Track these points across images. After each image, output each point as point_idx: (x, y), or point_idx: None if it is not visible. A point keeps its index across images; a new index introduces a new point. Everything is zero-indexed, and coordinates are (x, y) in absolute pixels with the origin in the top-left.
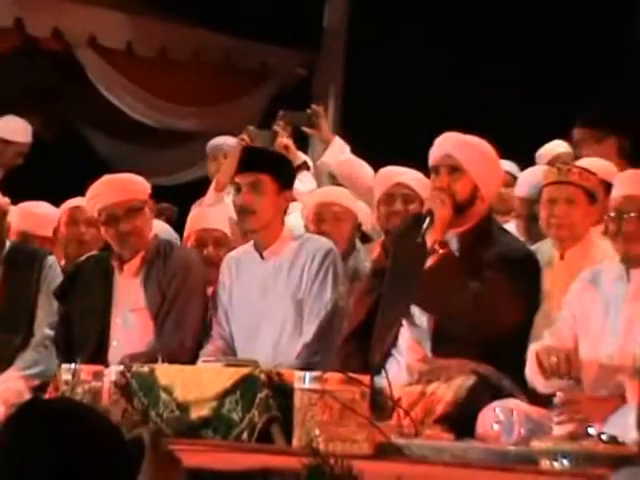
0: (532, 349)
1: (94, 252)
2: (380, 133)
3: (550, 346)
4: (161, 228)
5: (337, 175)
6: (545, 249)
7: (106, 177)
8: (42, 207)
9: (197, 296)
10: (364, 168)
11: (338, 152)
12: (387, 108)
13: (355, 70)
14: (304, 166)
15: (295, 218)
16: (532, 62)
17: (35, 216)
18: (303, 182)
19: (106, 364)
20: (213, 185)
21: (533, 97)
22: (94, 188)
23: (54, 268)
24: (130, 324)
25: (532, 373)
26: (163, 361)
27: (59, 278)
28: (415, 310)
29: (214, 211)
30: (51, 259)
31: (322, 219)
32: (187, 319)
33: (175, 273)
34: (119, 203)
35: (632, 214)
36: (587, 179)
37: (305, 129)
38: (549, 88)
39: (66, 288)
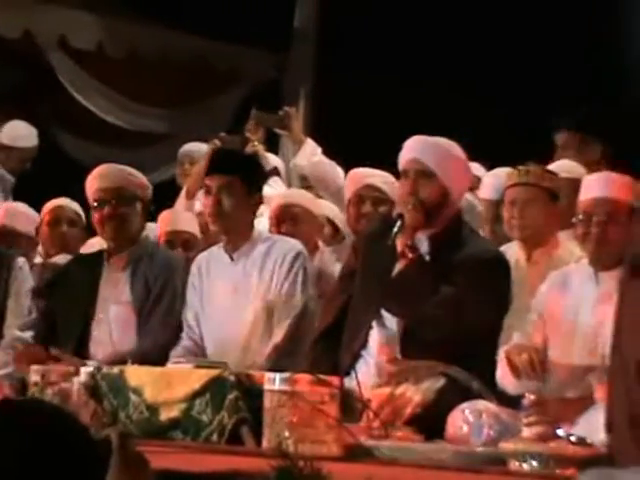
0: (502, 350)
1: (81, 252)
2: (350, 134)
3: (520, 344)
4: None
5: (309, 176)
6: (512, 252)
7: (108, 164)
8: (24, 206)
9: (179, 296)
10: (335, 170)
11: (310, 154)
12: (357, 110)
13: (325, 71)
14: (274, 171)
15: (265, 221)
16: (507, 64)
17: (19, 213)
18: (273, 187)
19: (88, 357)
20: (183, 193)
21: (508, 100)
22: (94, 172)
23: (24, 269)
24: (113, 318)
25: (503, 375)
26: (133, 362)
27: (29, 279)
28: (385, 312)
29: (184, 213)
30: (21, 260)
31: (282, 220)
32: (171, 318)
33: (161, 271)
34: (109, 188)
35: (601, 217)
36: (548, 179)
37: (277, 130)
38: (524, 91)
39: (52, 285)
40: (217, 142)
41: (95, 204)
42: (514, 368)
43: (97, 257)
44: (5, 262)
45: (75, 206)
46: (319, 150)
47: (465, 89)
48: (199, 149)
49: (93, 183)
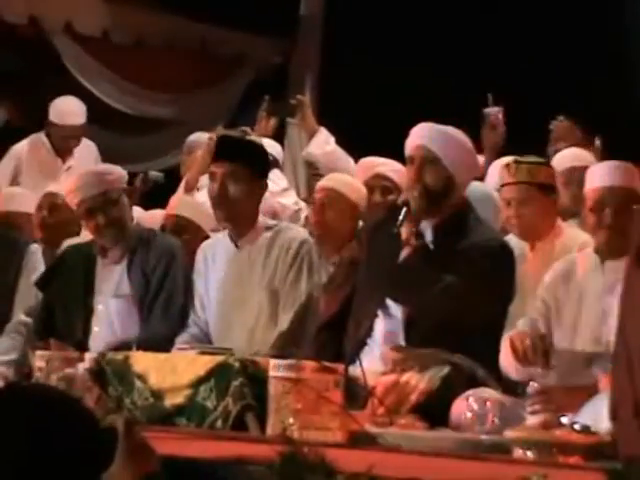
0: (506, 336)
1: (77, 241)
2: (357, 122)
3: (523, 331)
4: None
5: (321, 165)
6: (515, 241)
7: (82, 170)
8: (21, 189)
9: (181, 282)
10: (348, 159)
11: (323, 143)
12: (364, 97)
13: (332, 58)
14: (274, 163)
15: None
16: (513, 56)
17: (17, 195)
18: (272, 180)
19: (87, 351)
20: (182, 185)
21: (513, 90)
22: (71, 182)
23: (37, 256)
24: (112, 311)
25: (506, 361)
26: (137, 349)
27: (41, 266)
28: (390, 301)
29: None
30: (34, 247)
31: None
32: (173, 307)
33: (159, 260)
34: (96, 196)
35: (613, 206)
36: (537, 173)
37: (290, 119)
38: (530, 82)
39: (48, 277)
40: (214, 137)
41: (87, 214)
42: (517, 353)
43: (90, 247)
44: (18, 248)
45: None
46: (332, 139)
47: (474, 77)
48: (202, 139)
49: (76, 195)
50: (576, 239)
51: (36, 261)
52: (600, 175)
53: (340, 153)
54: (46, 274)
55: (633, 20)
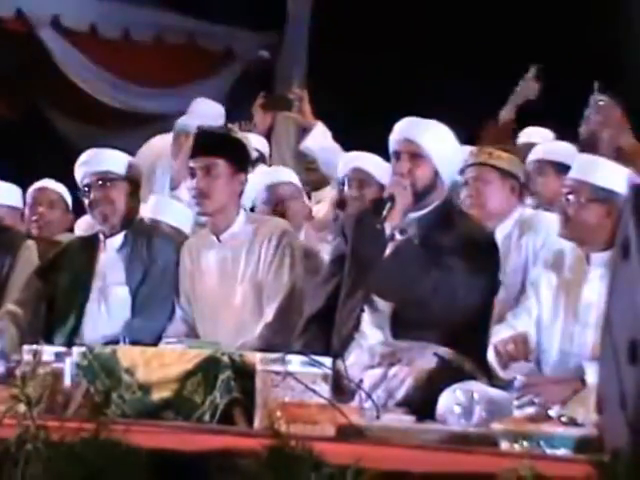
0: (492, 341)
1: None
2: (344, 117)
3: (507, 338)
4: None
5: (318, 160)
6: None
7: (93, 149)
8: (7, 183)
9: (174, 277)
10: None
11: (321, 137)
12: (351, 92)
13: (319, 53)
14: (260, 159)
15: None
16: (505, 47)
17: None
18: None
19: (82, 339)
20: (167, 183)
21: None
22: (80, 158)
23: (32, 250)
24: (107, 299)
25: (493, 359)
26: (126, 343)
27: (35, 261)
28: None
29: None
30: (30, 242)
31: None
32: (167, 302)
33: (158, 254)
34: (95, 173)
35: (582, 199)
36: (498, 158)
37: (287, 113)
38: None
39: (50, 267)
40: None
41: (84, 190)
42: (501, 359)
43: (94, 239)
44: (15, 242)
45: (60, 188)
46: (329, 134)
47: (462, 70)
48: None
49: (80, 169)
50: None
51: (31, 256)
52: (575, 167)
53: (337, 147)
54: (47, 264)
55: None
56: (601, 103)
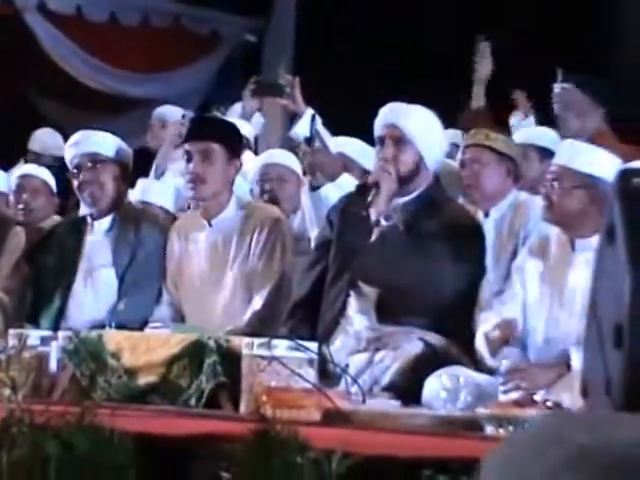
0: (480, 330)
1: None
2: (330, 101)
3: (495, 325)
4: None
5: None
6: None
7: (83, 131)
8: None
9: (162, 261)
10: (331, 142)
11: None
12: (337, 76)
13: (306, 37)
14: (245, 144)
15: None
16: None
17: None
18: (245, 161)
19: (68, 322)
20: (153, 170)
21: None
22: (69, 140)
23: (19, 237)
24: (94, 281)
25: (482, 347)
26: (112, 327)
27: (22, 247)
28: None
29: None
30: (18, 228)
31: (266, 179)
32: (154, 285)
33: (146, 238)
34: (84, 154)
35: (566, 186)
36: (494, 139)
37: (278, 99)
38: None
39: (37, 249)
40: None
41: (73, 172)
42: (491, 348)
43: (81, 222)
44: (3, 228)
45: (43, 173)
46: (319, 121)
47: (448, 56)
48: (172, 112)
49: (69, 151)
50: (530, 212)
51: (18, 241)
52: (559, 153)
53: (326, 135)
54: (34, 247)
55: None
56: (560, 90)
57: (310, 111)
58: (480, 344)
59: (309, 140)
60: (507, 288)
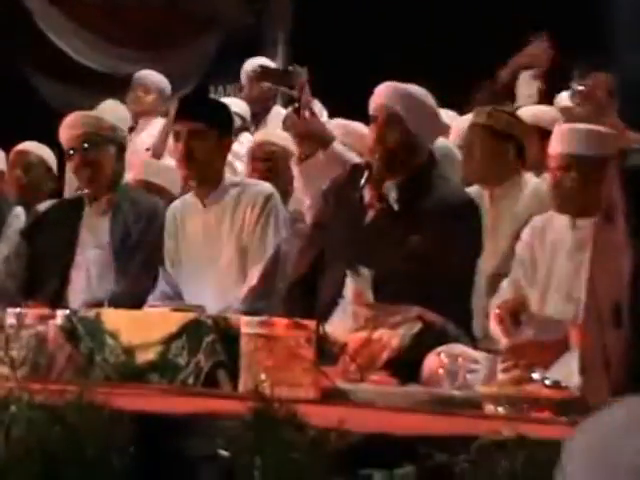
0: (494, 307)
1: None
2: (329, 82)
3: (507, 300)
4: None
5: None
6: (475, 192)
7: (77, 112)
8: None
9: (158, 240)
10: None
11: (317, 114)
12: (337, 56)
13: (304, 18)
14: (243, 127)
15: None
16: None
17: None
18: (243, 144)
19: (67, 303)
20: (150, 152)
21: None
22: (64, 121)
23: (20, 219)
24: (91, 262)
25: (496, 328)
26: (110, 306)
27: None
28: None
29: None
30: (18, 209)
31: (259, 158)
32: (150, 265)
33: (142, 217)
34: (79, 135)
35: (572, 173)
36: (497, 119)
37: (282, 88)
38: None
39: (34, 229)
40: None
41: (69, 152)
42: (504, 328)
43: (78, 202)
44: (3, 209)
45: (42, 151)
46: (325, 112)
47: (447, 36)
48: (153, 77)
49: (64, 132)
50: (537, 194)
51: (19, 224)
52: (562, 139)
53: (331, 124)
54: (31, 225)
55: None
56: (580, 88)
57: (316, 101)
58: (493, 326)
59: (297, 109)
60: (516, 266)
